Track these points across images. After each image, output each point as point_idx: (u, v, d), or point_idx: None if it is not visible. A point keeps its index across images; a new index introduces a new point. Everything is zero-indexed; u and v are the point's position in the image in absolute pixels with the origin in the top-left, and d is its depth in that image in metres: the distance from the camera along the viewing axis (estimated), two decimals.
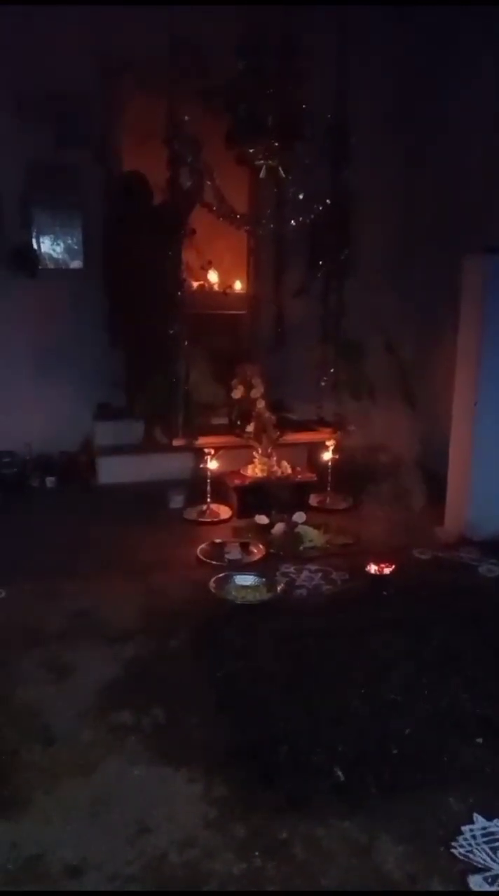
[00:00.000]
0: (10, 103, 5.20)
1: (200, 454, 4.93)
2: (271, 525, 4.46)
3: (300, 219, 4.93)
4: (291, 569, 3.96)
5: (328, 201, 4.89)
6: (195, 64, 4.87)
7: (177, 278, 4.89)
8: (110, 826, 2.12)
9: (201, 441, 4.91)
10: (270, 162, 4.50)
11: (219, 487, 4.88)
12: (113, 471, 5.46)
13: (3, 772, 2.34)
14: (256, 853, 2.04)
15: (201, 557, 4.10)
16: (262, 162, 4.51)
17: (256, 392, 4.99)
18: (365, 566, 3.83)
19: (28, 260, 5.48)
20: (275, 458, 4.98)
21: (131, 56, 5.03)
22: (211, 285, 6.64)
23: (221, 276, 6.58)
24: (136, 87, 5.16)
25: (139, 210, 4.94)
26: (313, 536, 4.36)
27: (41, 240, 5.57)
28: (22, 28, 5.02)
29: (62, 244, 5.62)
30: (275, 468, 4.96)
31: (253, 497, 4.77)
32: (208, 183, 4.62)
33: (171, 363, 4.87)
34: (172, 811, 2.18)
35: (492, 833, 2.11)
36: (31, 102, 5.22)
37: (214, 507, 4.83)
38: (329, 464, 5.04)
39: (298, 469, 5.12)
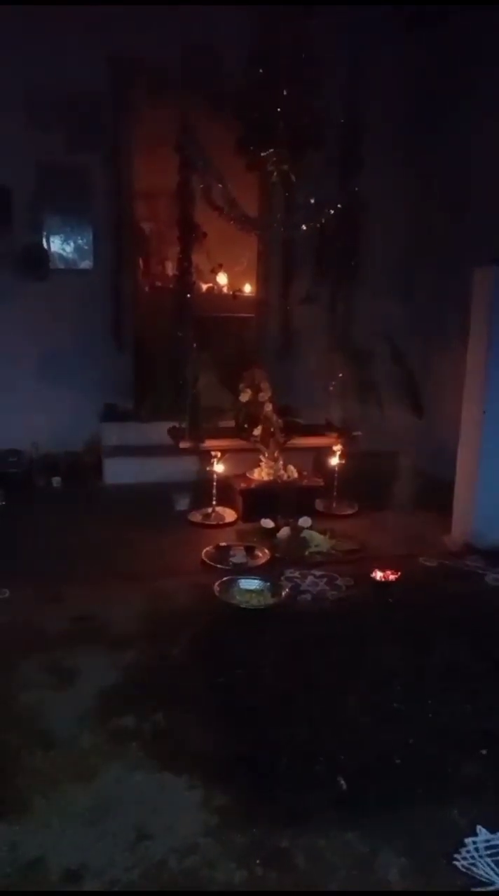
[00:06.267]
0: (23, 105, 5.22)
1: (206, 457, 4.92)
2: (277, 529, 4.44)
3: (311, 224, 4.92)
4: (296, 574, 3.94)
5: (339, 206, 4.88)
6: (207, 70, 4.87)
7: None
8: (110, 832, 2.11)
9: (208, 444, 4.90)
10: (281, 168, 4.49)
11: (225, 490, 4.86)
12: (119, 472, 5.47)
13: (4, 775, 2.33)
14: (257, 862, 2.02)
15: (206, 560, 4.09)
16: (273, 168, 4.49)
17: (264, 396, 4.98)
18: (370, 573, 3.82)
19: (39, 261, 5.48)
20: (281, 462, 4.97)
21: (144, 61, 5.04)
22: (220, 288, 6.66)
23: (232, 278, 6.59)
24: (148, 91, 5.17)
25: None
26: (319, 541, 4.34)
27: (51, 240, 5.58)
28: (35, 31, 5.04)
29: (72, 245, 5.63)
30: (281, 472, 4.95)
31: (259, 501, 4.76)
32: (219, 186, 4.61)
33: (179, 366, 4.87)
34: (172, 818, 2.17)
35: (496, 846, 2.09)
36: (44, 105, 5.24)
37: (219, 510, 4.82)
38: (336, 469, 5.03)
39: (305, 473, 5.11)
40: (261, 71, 4.41)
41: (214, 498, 4.80)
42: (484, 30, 4.98)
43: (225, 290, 6.68)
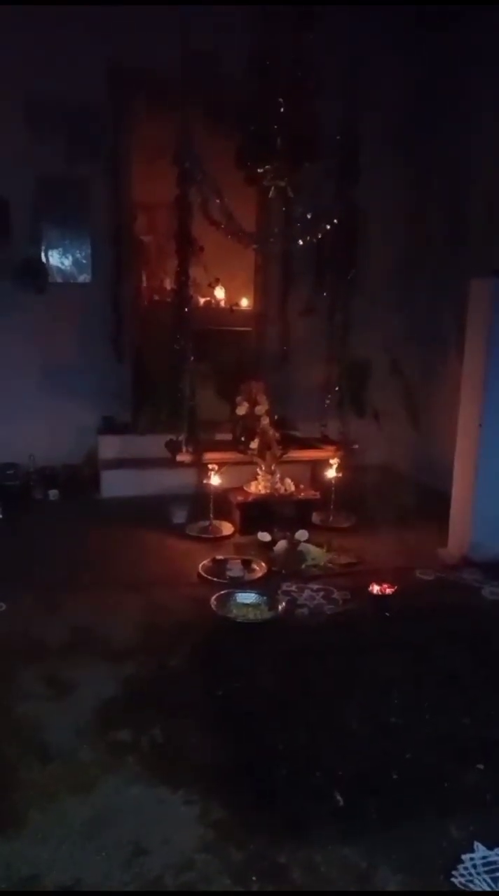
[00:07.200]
0: (23, 117, 5.26)
1: (203, 470, 4.93)
2: (274, 543, 4.44)
3: (308, 238, 4.96)
4: (293, 587, 3.94)
5: (336, 221, 4.91)
6: (206, 79, 4.91)
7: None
8: (106, 847, 2.10)
9: (205, 457, 4.91)
10: (279, 183, 4.51)
11: (222, 504, 4.87)
12: (116, 485, 5.47)
13: (0, 789, 2.32)
14: (254, 878, 2.01)
15: (203, 574, 4.08)
16: (270, 184, 4.52)
17: (261, 409, 4.99)
18: (367, 586, 3.82)
19: (37, 274, 5.51)
20: (278, 476, 4.97)
21: (143, 70, 5.09)
22: (218, 302, 6.69)
23: (230, 292, 6.62)
24: (147, 100, 5.22)
25: None
26: (316, 555, 4.35)
27: (50, 253, 5.60)
28: (34, 42, 5.08)
29: (70, 258, 5.66)
30: (278, 485, 4.95)
31: (256, 514, 4.76)
32: (217, 201, 4.63)
33: (177, 378, 4.88)
34: (168, 833, 2.16)
35: (493, 862, 2.08)
36: (43, 116, 5.28)
37: (216, 523, 4.82)
38: (333, 482, 5.03)
39: (302, 486, 5.12)
40: (258, 87, 4.44)
41: (211, 511, 4.80)
42: (484, 30, 5.01)
43: (222, 303, 6.71)
